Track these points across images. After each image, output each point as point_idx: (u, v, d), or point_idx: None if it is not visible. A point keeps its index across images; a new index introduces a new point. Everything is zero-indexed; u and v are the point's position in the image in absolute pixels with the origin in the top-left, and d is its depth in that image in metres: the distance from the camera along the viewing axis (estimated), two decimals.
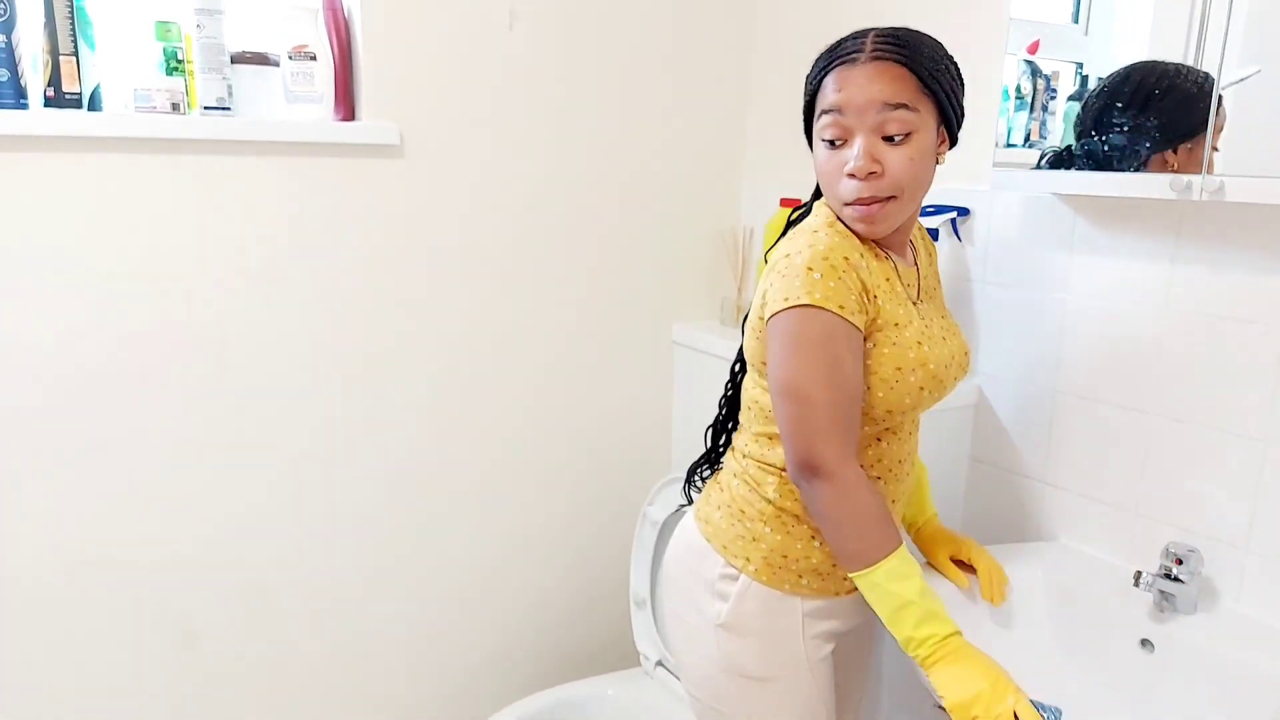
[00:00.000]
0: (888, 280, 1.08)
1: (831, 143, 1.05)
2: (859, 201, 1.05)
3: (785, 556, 1.12)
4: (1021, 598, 1.25)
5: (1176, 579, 1.16)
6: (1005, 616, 1.24)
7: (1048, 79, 1.34)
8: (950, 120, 1.07)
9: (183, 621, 1.53)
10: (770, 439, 1.12)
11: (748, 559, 1.13)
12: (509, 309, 1.73)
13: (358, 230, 1.56)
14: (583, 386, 1.84)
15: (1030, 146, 1.33)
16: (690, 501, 1.28)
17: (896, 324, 1.06)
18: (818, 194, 1.17)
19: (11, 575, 1.39)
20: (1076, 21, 1.31)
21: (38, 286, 1.34)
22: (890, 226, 1.07)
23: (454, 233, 1.64)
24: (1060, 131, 1.30)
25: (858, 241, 1.07)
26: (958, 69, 1.07)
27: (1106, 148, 1.18)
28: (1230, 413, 1.20)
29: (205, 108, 1.43)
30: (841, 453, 1.01)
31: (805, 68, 1.10)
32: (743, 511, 1.14)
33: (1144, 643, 1.18)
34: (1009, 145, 1.36)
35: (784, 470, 1.10)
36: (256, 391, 1.52)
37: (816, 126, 1.07)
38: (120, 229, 1.38)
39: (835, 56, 1.05)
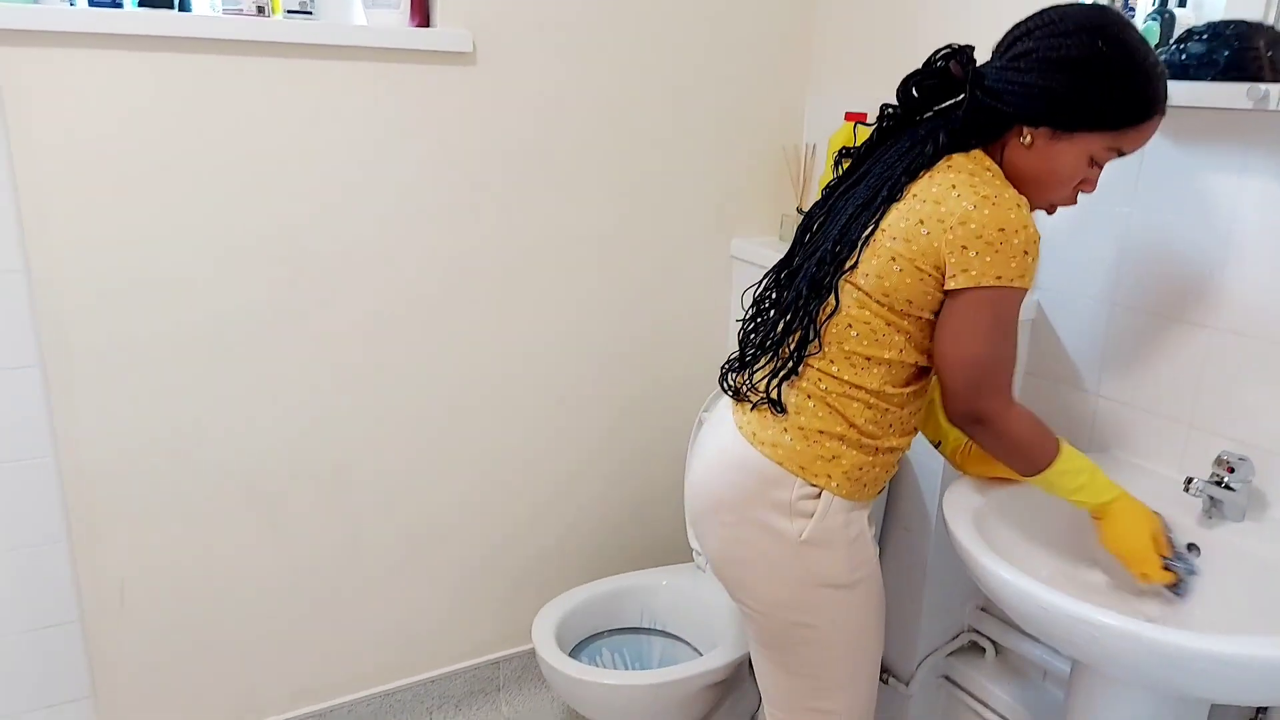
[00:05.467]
0: None
1: (1094, 162, 1.10)
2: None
3: (860, 469, 1.16)
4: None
5: (1227, 486, 1.19)
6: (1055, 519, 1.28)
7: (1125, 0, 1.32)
8: None
9: (272, 500, 1.64)
10: (868, 360, 1.12)
11: (829, 476, 1.15)
12: (572, 218, 1.77)
13: (429, 136, 1.60)
14: (643, 296, 1.89)
15: None
16: (738, 397, 1.23)
17: None
18: (915, 104, 1.15)
19: (133, 447, 1.51)
20: None
21: (127, 184, 1.41)
22: None
23: (521, 141, 1.68)
24: None
25: None
26: None
27: (1184, 56, 1.17)
28: None
29: (288, 11, 1.47)
30: (1007, 402, 1.11)
31: None
32: (820, 433, 1.14)
33: (1190, 547, 1.21)
34: None
35: (873, 393, 1.13)
36: (329, 291, 1.59)
37: (1097, 143, 1.07)
38: (206, 128, 1.44)
39: (1162, 102, 1.07)
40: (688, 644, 1.78)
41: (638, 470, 2.00)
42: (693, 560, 1.87)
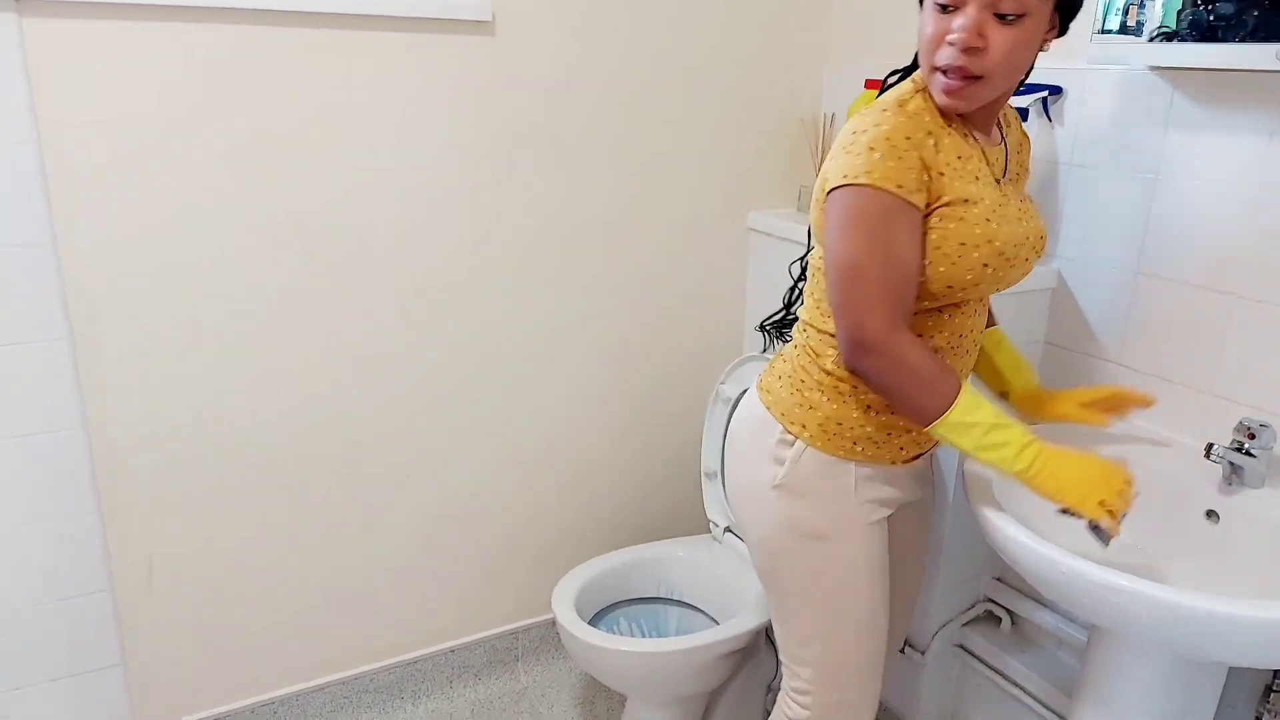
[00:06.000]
0: (960, 158, 1.08)
1: (944, 7, 1.03)
2: (951, 71, 1.04)
3: (839, 424, 1.17)
4: None
5: (1248, 453, 1.19)
6: None
7: None
8: (1066, 8, 1.06)
9: (299, 480, 1.66)
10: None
11: (804, 425, 1.19)
12: (590, 188, 1.77)
13: (450, 111, 1.60)
14: (658, 273, 1.89)
15: (1125, 33, 1.30)
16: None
17: (966, 200, 1.07)
18: (911, 68, 1.17)
19: (162, 426, 1.52)
20: None
21: (140, 164, 1.41)
22: (972, 105, 1.07)
23: (539, 111, 1.68)
24: (1159, 18, 1.26)
25: (931, 118, 1.07)
26: None
27: (1212, 17, 1.16)
28: None
29: None
30: (889, 323, 1.03)
31: None
32: (802, 381, 1.20)
33: (1210, 514, 1.22)
34: (1104, 31, 1.33)
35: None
36: (354, 274, 1.60)
37: None
38: (227, 102, 1.44)
39: None
40: (704, 613, 1.79)
41: (656, 448, 2.01)
42: (709, 532, 1.88)
